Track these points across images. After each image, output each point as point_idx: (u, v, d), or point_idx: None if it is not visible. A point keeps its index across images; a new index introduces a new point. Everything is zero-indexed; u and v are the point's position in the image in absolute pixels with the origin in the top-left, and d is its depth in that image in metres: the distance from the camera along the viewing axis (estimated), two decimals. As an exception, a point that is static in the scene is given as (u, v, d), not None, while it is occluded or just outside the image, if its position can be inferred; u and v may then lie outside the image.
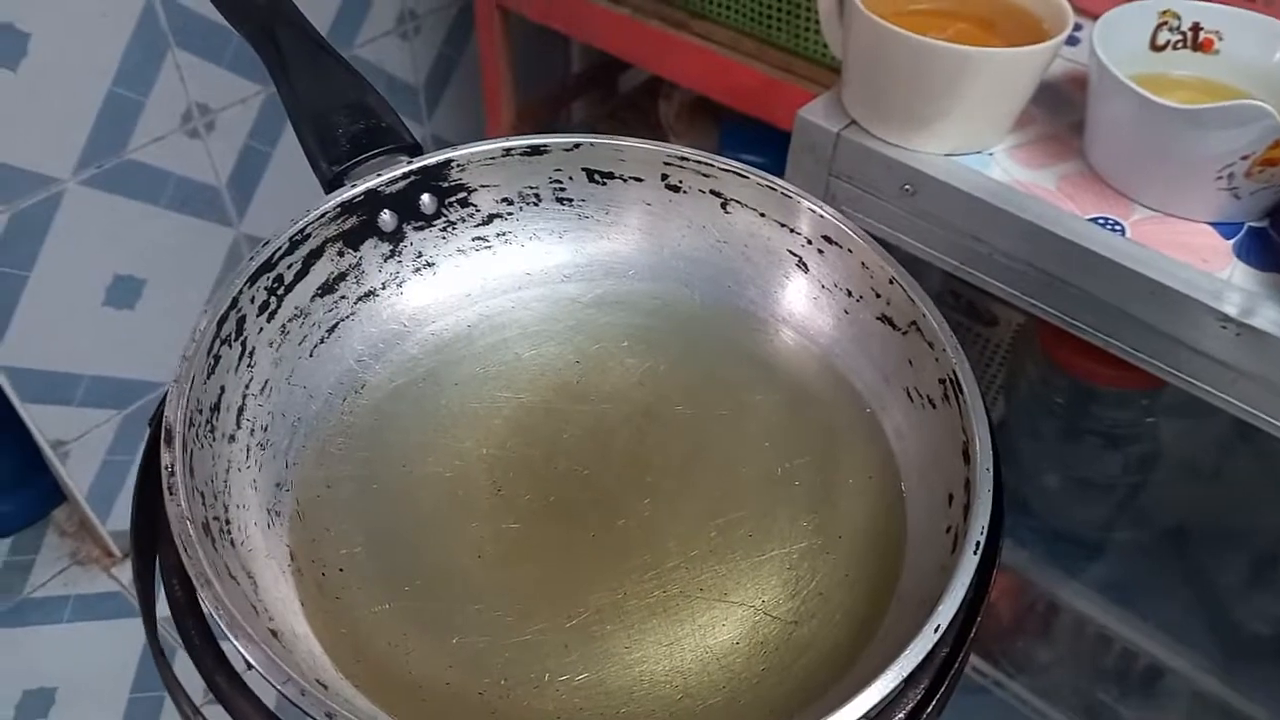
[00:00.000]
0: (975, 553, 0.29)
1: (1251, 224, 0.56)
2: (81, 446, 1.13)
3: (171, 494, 0.28)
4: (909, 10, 0.61)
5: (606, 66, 1.37)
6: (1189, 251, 0.54)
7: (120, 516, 1.21)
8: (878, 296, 0.37)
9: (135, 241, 1.05)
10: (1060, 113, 0.63)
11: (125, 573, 1.21)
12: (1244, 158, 0.52)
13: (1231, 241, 0.55)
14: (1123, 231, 0.55)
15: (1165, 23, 0.60)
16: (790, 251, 0.40)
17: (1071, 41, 0.66)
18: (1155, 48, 0.61)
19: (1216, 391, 0.53)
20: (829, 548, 0.34)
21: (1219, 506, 0.70)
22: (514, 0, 1.08)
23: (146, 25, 0.95)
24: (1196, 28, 0.60)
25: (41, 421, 1.08)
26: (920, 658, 0.26)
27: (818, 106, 0.63)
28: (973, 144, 0.60)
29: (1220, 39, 0.60)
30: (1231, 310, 0.51)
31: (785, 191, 0.39)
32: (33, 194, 0.94)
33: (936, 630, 0.27)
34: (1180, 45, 0.61)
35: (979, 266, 0.59)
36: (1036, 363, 0.67)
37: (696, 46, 0.95)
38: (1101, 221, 0.56)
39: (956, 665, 0.28)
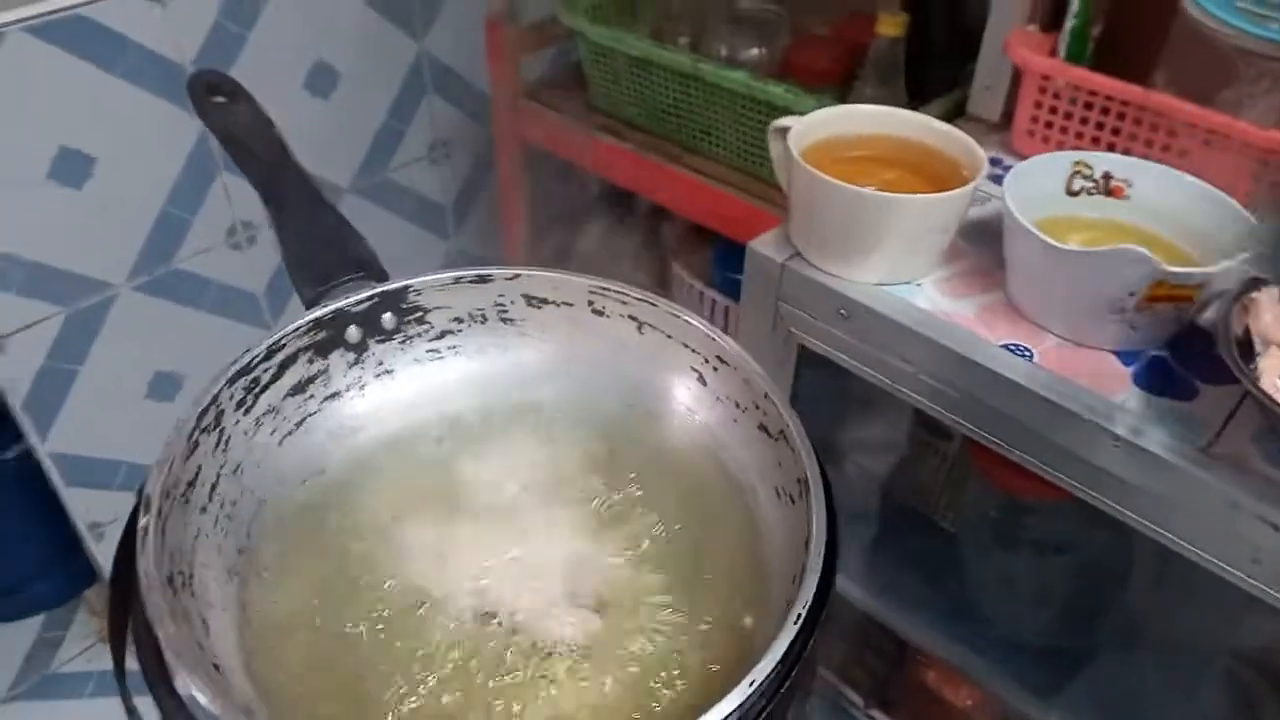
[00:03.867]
0: (795, 623, 0.34)
1: (1152, 352, 0.62)
2: (116, 529, 1.21)
3: (143, 549, 0.35)
4: (847, 156, 0.69)
5: (621, 190, 1.48)
6: (1090, 377, 0.60)
7: (145, 598, 1.28)
8: (757, 407, 0.44)
9: (178, 341, 1.15)
10: (989, 248, 0.70)
11: (146, 653, 1.28)
12: (1131, 294, 0.58)
13: (1130, 369, 0.61)
14: (1031, 357, 0.61)
15: (1079, 171, 0.67)
16: (692, 368, 0.47)
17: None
18: (1071, 193, 0.68)
19: (1114, 504, 0.58)
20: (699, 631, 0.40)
21: (1154, 616, 0.74)
22: (533, 134, 1.19)
23: (199, 152, 1.07)
24: (1107, 176, 0.67)
25: (79, 504, 1.17)
26: (732, 708, 0.32)
27: (768, 238, 0.71)
28: (900, 275, 0.66)
29: (1130, 186, 0.67)
30: (1121, 431, 0.56)
31: (687, 319, 0.46)
32: (89, 297, 1.05)
33: (752, 685, 0.33)
34: (1094, 191, 0.67)
35: (906, 384, 0.65)
36: (973, 476, 0.72)
37: (688, 179, 1.04)
38: (1012, 348, 0.62)
39: (768, 716, 0.33)
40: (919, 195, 0.62)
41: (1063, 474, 0.60)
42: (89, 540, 1.20)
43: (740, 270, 0.73)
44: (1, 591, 1.28)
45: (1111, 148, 0.74)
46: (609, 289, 0.47)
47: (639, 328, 0.48)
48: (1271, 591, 0.53)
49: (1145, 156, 0.69)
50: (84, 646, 1.28)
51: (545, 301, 0.48)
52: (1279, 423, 0.52)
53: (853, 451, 0.94)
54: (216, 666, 0.34)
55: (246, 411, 0.43)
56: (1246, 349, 0.54)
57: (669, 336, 0.47)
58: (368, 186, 1.27)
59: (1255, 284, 0.57)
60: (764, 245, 0.70)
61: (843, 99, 0.89)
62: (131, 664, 0.37)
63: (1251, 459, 0.54)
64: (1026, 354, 0.62)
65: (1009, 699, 0.82)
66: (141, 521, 0.35)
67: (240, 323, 1.20)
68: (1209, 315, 0.62)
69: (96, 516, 1.19)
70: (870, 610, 0.85)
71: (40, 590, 1.31)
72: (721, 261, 1.11)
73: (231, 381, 0.42)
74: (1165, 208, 0.66)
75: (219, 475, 0.41)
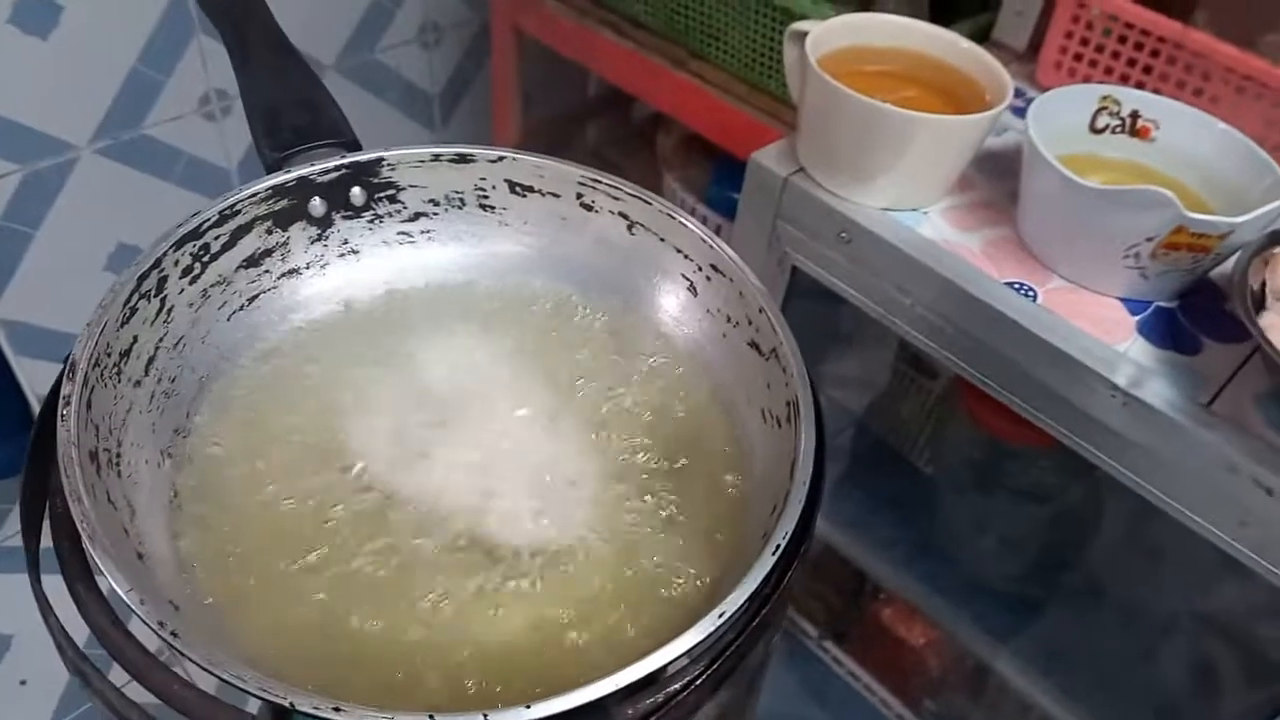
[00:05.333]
0: (773, 554, 0.32)
1: (1160, 304, 0.59)
2: (69, 403, 1.17)
3: (63, 421, 0.31)
4: (864, 70, 0.65)
5: (620, 94, 1.42)
6: (1093, 322, 0.57)
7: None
8: (749, 323, 0.40)
9: (143, 212, 1.10)
10: (1001, 181, 0.66)
11: (97, 530, 1.25)
12: (1149, 239, 0.55)
13: (1137, 318, 0.58)
14: (1034, 297, 0.58)
15: (1105, 108, 0.64)
16: (683, 275, 0.43)
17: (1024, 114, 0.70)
18: (1095, 130, 0.64)
19: (1105, 457, 0.56)
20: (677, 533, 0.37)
21: (1121, 574, 0.73)
22: (530, 23, 1.13)
23: (175, 8, 1.00)
24: (1135, 115, 0.63)
25: (33, 377, 1.12)
26: (698, 639, 0.30)
27: (771, 151, 0.67)
28: (908, 201, 0.63)
29: (1157, 127, 0.63)
30: (1121, 380, 0.54)
31: (682, 221, 0.43)
32: (48, 157, 0.99)
33: (721, 616, 0.30)
34: (1119, 130, 0.64)
35: (901, 315, 0.62)
36: (958, 417, 0.70)
37: (692, 85, 0.99)
38: (1016, 286, 0.59)
39: (735, 650, 0.31)
40: (942, 115, 0.58)
41: (1056, 421, 0.57)
42: (41, 412, 1.16)
43: (737, 188, 0.69)
44: (-51, 458, 1.25)
45: (1140, 88, 0.70)
46: (600, 181, 0.44)
47: (629, 227, 0.44)
48: (1255, 557, 0.52)
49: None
50: (33, 519, 1.25)
51: (530, 189, 0.45)
52: (1287, 384, 0.50)
53: (831, 388, 0.92)
54: (140, 555, 0.31)
55: (193, 280, 0.39)
56: (1259, 305, 0.52)
57: (661, 239, 0.44)
58: (352, 66, 1.20)
59: (1277, 238, 0.55)
60: (767, 157, 0.66)
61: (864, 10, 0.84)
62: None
63: (1252, 420, 0.52)
64: (1031, 294, 0.59)
65: (964, 639, 0.82)
66: (64, 389, 0.32)
67: (210, 199, 1.15)
68: (1222, 270, 0.59)
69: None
70: (834, 544, 0.84)
71: (-8, 460, 1.27)
72: (721, 175, 1.06)
73: (178, 246, 0.38)
74: (1192, 154, 0.62)
75: (158, 348, 0.38)
